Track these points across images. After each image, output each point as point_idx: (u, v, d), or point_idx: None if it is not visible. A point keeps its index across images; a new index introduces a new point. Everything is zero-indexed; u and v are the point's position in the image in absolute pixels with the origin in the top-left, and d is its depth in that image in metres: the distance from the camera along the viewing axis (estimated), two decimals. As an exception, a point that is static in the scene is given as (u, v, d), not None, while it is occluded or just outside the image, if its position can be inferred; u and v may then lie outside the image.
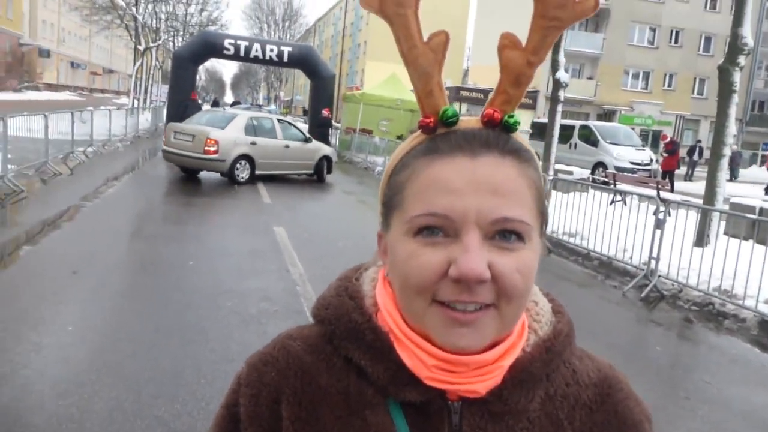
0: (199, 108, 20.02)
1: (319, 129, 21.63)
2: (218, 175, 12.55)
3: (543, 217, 0.66)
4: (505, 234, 0.61)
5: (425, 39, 0.65)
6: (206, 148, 11.87)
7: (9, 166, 9.48)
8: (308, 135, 14.63)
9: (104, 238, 7.16)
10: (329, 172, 14.61)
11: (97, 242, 6.91)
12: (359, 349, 0.68)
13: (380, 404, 0.67)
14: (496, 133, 0.63)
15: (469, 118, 0.66)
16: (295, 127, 14.65)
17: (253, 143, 12.63)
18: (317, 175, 14.30)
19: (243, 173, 12.46)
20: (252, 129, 12.91)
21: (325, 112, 21.50)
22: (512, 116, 0.64)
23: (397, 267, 0.64)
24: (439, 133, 0.64)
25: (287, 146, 13.44)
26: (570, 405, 0.71)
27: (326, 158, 14.44)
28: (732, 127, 8.46)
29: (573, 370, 0.73)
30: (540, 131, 19.70)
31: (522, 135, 0.67)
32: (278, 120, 14.15)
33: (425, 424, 0.67)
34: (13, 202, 8.62)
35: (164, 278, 5.81)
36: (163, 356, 4.01)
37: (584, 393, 0.72)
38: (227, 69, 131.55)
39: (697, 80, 39.06)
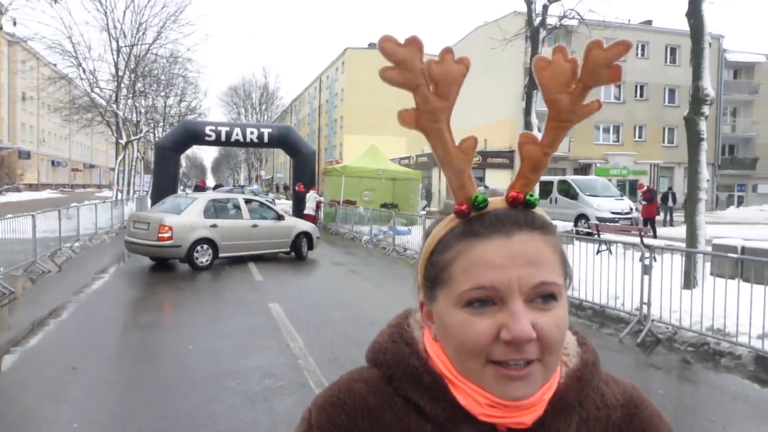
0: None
1: (297, 203, 22.07)
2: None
3: (567, 275, 0.77)
4: (544, 298, 0.72)
5: (457, 143, 0.77)
6: (160, 234, 11.58)
7: (-1, 268, 9.49)
8: (281, 212, 14.32)
9: (100, 332, 7.15)
10: (311, 248, 14.20)
11: (93, 336, 6.90)
12: (418, 391, 0.77)
13: None
14: (524, 213, 0.75)
15: (494, 199, 0.77)
16: (267, 205, 14.40)
17: (214, 225, 12.31)
18: (295, 253, 13.92)
19: (203, 257, 12.03)
20: (213, 211, 12.62)
21: (297, 187, 21.98)
22: (532, 195, 0.76)
23: (451, 333, 0.74)
24: (472, 216, 0.76)
25: (255, 225, 13.12)
26: (602, 426, 0.81)
27: (305, 234, 14.08)
28: (705, 173, 8.81)
29: (602, 394, 0.83)
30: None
31: (541, 209, 0.80)
32: (246, 200, 13.84)
33: None
34: (3, 305, 8.59)
35: (165, 365, 5.81)
36: (172, 443, 4.00)
37: (614, 414, 0.82)
38: (207, 154, 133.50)
39: (666, 130, 40.45)
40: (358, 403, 0.79)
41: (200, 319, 7.80)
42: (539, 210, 0.78)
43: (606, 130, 39.60)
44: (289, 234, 13.77)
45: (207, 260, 12.07)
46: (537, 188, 11.90)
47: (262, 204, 14.30)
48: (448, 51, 0.75)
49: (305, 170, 23.57)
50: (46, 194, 50.23)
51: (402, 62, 0.74)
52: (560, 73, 0.75)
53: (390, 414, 0.78)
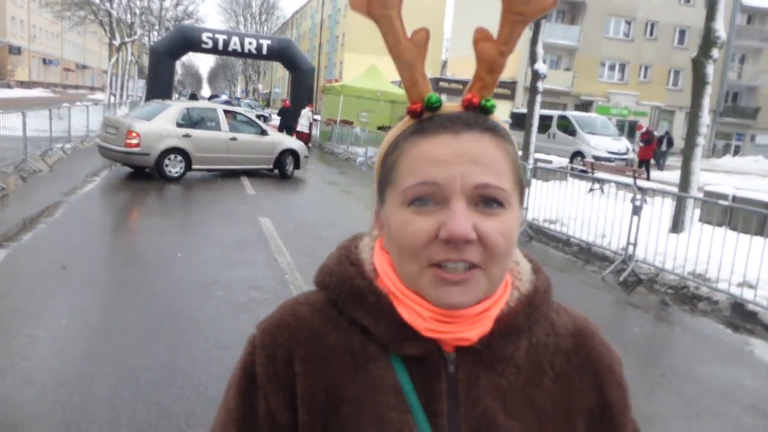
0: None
1: (283, 119, 21.66)
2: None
3: (520, 186, 0.74)
4: (487, 201, 0.69)
5: (408, 35, 0.72)
6: (127, 141, 11.06)
7: (-11, 164, 9.41)
8: (264, 127, 13.59)
9: (90, 233, 7.18)
10: (297, 167, 13.53)
11: (83, 237, 6.94)
12: (362, 310, 0.75)
13: (383, 358, 0.75)
14: (476, 114, 0.72)
15: (451, 104, 0.74)
16: (249, 118, 13.64)
17: (187, 135, 11.68)
18: (279, 171, 13.25)
19: (175, 168, 11.55)
20: (187, 121, 11.96)
21: (284, 104, 21.66)
22: (489, 100, 0.72)
23: (393, 234, 0.72)
24: (425, 117, 0.72)
25: (234, 139, 12.37)
26: (551, 352, 0.80)
27: (291, 152, 13.35)
28: (705, 118, 8.71)
29: (552, 323, 0.82)
30: (519, 121, 19.95)
31: (497, 117, 0.75)
32: (226, 111, 12.96)
33: (424, 374, 0.74)
34: (-5, 199, 8.58)
35: (153, 270, 5.88)
36: (158, 346, 4.10)
37: (562, 342, 0.81)
38: (204, 63, 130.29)
39: (672, 72, 39.71)
40: (302, 325, 0.77)
41: (190, 228, 7.85)
42: (495, 117, 0.74)
43: (611, 68, 38.83)
44: (272, 150, 13.09)
45: (178, 171, 11.60)
46: (536, 122, 11.68)
47: (243, 117, 13.55)
48: None
49: (303, 86, 23.10)
50: (37, 92, 49.18)
51: None
52: None
53: (334, 335, 0.77)
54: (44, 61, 64.06)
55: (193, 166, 11.89)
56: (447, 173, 0.68)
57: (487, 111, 0.73)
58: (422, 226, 0.68)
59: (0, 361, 3.65)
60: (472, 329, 0.73)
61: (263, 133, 13.16)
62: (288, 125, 20.80)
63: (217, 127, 12.35)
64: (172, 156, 11.56)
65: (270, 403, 0.76)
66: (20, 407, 3.18)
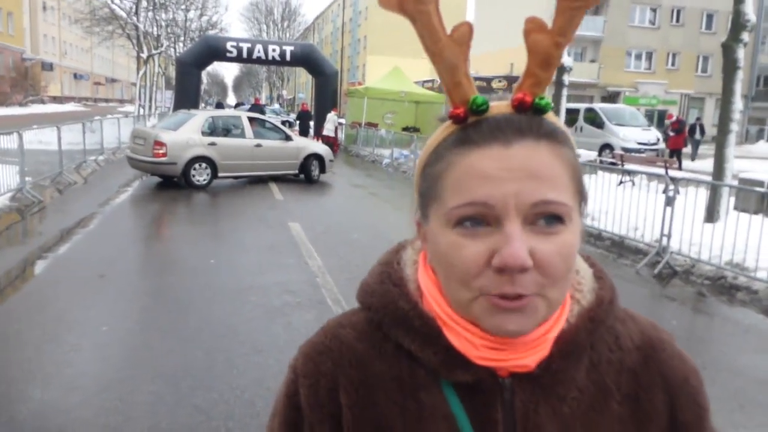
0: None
1: (301, 122, 22.12)
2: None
3: (582, 196, 0.66)
4: (547, 219, 0.61)
5: (448, 32, 0.65)
6: (155, 151, 11.27)
7: (26, 179, 9.69)
8: (289, 132, 13.72)
9: (125, 242, 7.35)
10: (323, 171, 13.57)
11: (119, 247, 7.10)
12: (408, 336, 0.70)
13: (433, 386, 0.69)
14: (528, 118, 0.63)
15: (499, 103, 0.66)
16: (274, 125, 13.81)
17: (212, 144, 11.88)
18: (304, 176, 13.36)
19: (201, 176, 11.74)
20: (212, 129, 12.19)
21: (302, 107, 22.01)
22: (543, 98, 0.64)
23: (440, 258, 0.65)
24: (470, 123, 0.64)
25: (258, 145, 12.56)
26: (616, 370, 0.72)
27: (316, 156, 13.44)
28: (738, 104, 8.52)
29: (616, 336, 0.73)
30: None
31: (554, 115, 0.67)
32: (251, 118, 13.12)
33: (479, 403, 0.68)
34: (33, 213, 8.83)
35: (188, 277, 5.98)
36: (196, 351, 4.18)
37: (628, 357, 0.73)
38: (228, 71, 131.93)
39: (701, 58, 38.84)
40: (346, 351, 0.73)
41: (221, 235, 7.97)
42: (552, 116, 0.66)
43: (638, 57, 38.15)
44: (297, 156, 13.20)
45: (205, 179, 11.77)
46: (563, 116, 11.59)
47: (268, 123, 13.73)
48: None
49: (327, 91, 23.24)
50: (70, 107, 50.49)
51: None
52: None
53: (380, 361, 0.72)
54: (75, 76, 65.77)
55: (219, 174, 12.08)
56: (499, 192, 0.60)
57: (541, 111, 0.64)
58: (472, 252, 0.61)
59: (45, 369, 3.77)
60: (530, 355, 0.67)
61: (288, 138, 13.29)
62: (305, 128, 21.10)
63: (242, 135, 12.53)
64: (198, 164, 11.76)
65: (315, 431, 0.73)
66: (66, 413, 3.27)
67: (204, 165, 11.81)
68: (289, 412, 0.75)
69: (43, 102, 47.97)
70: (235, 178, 12.75)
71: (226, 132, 12.47)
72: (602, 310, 0.71)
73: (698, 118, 24.45)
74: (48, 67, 54.35)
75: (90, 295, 5.28)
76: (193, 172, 11.71)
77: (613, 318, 0.74)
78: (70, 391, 3.51)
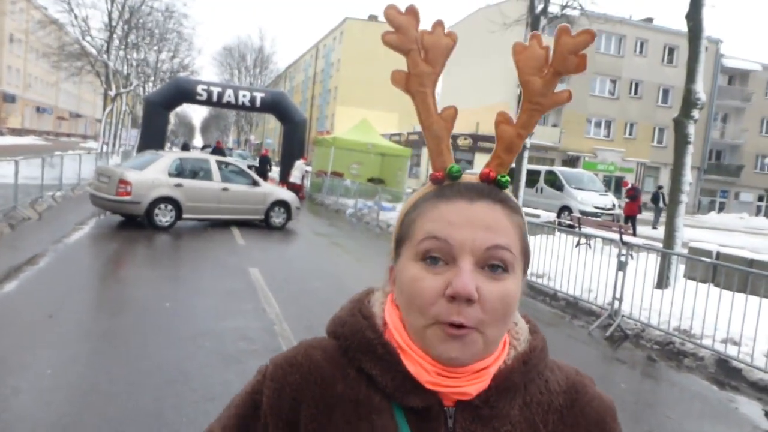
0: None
1: (260, 166, 22.49)
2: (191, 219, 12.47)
3: (526, 256, 0.80)
4: (493, 266, 0.74)
5: (439, 111, 0.82)
6: (119, 189, 11.19)
7: (-21, 210, 9.41)
8: (256, 178, 13.60)
9: (78, 282, 7.16)
10: (289, 218, 13.41)
11: (70, 286, 6.91)
12: (371, 361, 0.80)
13: (386, 410, 0.79)
14: (490, 186, 0.80)
15: (470, 174, 0.83)
16: (242, 169, 13.71)
17: (179, 185, 11.81)
18: (266, 222, 13.21)
19: (165, 217, 11.62)
20: (179, 170, 12.15)
21: (263, 152, 22.29)
22: (504, 176, 0.81)
23: (404, 288, 0.77)
24: (446, 185, 0.80)
25: (225, 189, 12.47)
26: (544, 410, 0.83)
27: (282, 203, 13.32)
28: (688, 176, 8.95)
29: (546, 380, 0.86)
30: (507, 175, 20.26)
31: (509, 192, 0.83)
32: (218, 162, 13.05)
33: (425, 427, 0.78)
34: (-17, 246, 8.55)
35: (142, 320, 5.86)
36: (145, 397, 4.07)
37: (555, 399, 0.85)
38: (197, 113, 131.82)
39: (657, 129, 40.77)
40: (314, 368, 0.82)
41: (180, 278, 7.84)
42: (508, 191, 0.82)
43: (597, 125, 39.80)
44: (263, 201, 13.11)
45: (168, 221, 11.66)
46: (524, 177, 11.95)
47: (236, 167, 13.61)
48: (439, 24, 0.83)
49: (295, 138, 23.42)
50: (29, 140, 49.38)
51: (399, 27, 0.82)
52: (534, 57, 0.81)
53: (342, 383, 0.81)
54: (38, 109, 64.64)
55: (184, 216, 11.93)
56: (459, 235, 0.74)
57: (501, 186, 0.80)
58: (431, 284, 0.74)
59: (-17, 412, 3.61)
60: (472, 385, 0.78)
61: (255, 183, 13.24)
62: (264, 173, 21.38)
63: (209, 177, 12.45)
64: (162, 205, 11.62)
65: None
66: (2, 459, 3.14)
67: (168, 206, 11.68)
68: (247, 408, 0.83)
69: (1, 133, 46.89)
70: (200, 220, 12.60)
71: (194, 174, 12.38)
72: (534, 356, 0.84)
73: (660, 187, 25.28)
74: (10, 98, 53.39)
75: (36, 336, 5.11)
76: (157, 212, 11.57)
77: (544, 365, 0.87)
78: (8, 436, 3.37)
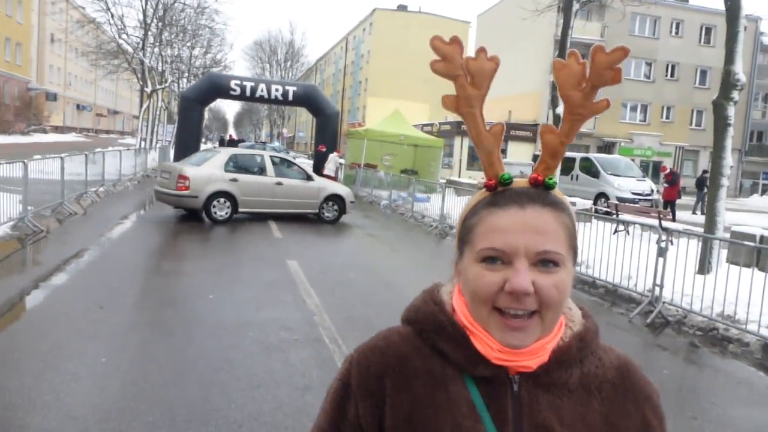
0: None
1: (318, 164, 22.28)
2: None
3: (574, 250, 0.91)
4: (545, 262, 0.85)
5: (488, 127, 0.93)
6: (178, 184, 11.82)
7: (28, 208, 9.78)
8: (310, 173, 14.00)
9: (125, 274, 7.40)
10: (343, 212, 13.68)
11: (118, 278, 7.15)
12: (443, 339, 0.93)
13: (458, 379, 0.92)
14: (539, 191, 0.89)
15: (520, 179, 0.92)
16: (297, 165, 14.11)
17: (234, 180, 12.36)
18: (323, 216, 13.56)
19: (221, 211, 12.13)
20: (235, 166, 12.72)
21: (319, 149, 22.13)
22: (551, 178, 0.91)
23: (468, 284, 0.89)
24: (498, 191, 0.91)
25: (279, 183, 12.97)
26: (599, 380, 0.95)
27: (336, 197, 13.62)
28: (728, 159, 8.74)
29: (599, 358, 0.97)
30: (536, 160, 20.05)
31: (559, 191, 0.92)
32: (272, 157, 13.61)
33: (493, 392, 0.90)
34: (34, 242, 8.89)
35: (187, 311, 6.04)
36: (193, 384, 4.21)
37: (608, 373, 0.96)
38: (230, 108, 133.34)
39: (695, 112, 39.72)
40: (392, 348, 0.95)
41: (221, 271, 8.02)
42: (557, 192, 0.91)
43: (633, 109, 38.97)
44: (317, 195, 13.46)
45: (225, 214, 12.15)
46: (558, 164, 11.95)
47: (290, 163, 14.05)
48: (482, 50, 0.91)
49: (328, 131, 23.54)
50: (71, 137, 50.83)
51: (446, 56, 0.91)
52: (573, 73, 0.90)
53: (419, 359, 0.93)
54: (78, 106, 66.39)
55: (240, 209, 12.45)
56: (513, 242, 0.85)
57: (549, 187, 0.90)
58: (492, 280, 0.85)
59: (45, 397, 3.80)
60: (533, 359, 0.89)
61: (309, 178, 13.61)
62: (320, 170, 21.32)
63: (264, 172, 12.98)
64: (219, 199, 12.16)
65: (359, 407, 0.93)
66: (65, 442, 3.30)
67: (224, 200, 12.21)
68: (341, 392, 0.96)
69: (45, 131, 48.28)
70: (255, 214, 13.03)
71: (249, 169, 12.92)
72: (589, 335, 0.96)
73: (705, 171, 24.64)
74: (52, 97, 54.91)
75: (90, 326, 5.32)
76: (214, 206, 12.10)
77: (597, 345, 0.98)
78: (69, 421, 3.54)
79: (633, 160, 28.09)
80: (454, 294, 0.97)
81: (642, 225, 10.11)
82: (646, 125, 38.78)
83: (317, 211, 13.55)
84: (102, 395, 3.93)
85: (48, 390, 3.91)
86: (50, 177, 11.85)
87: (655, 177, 28.05)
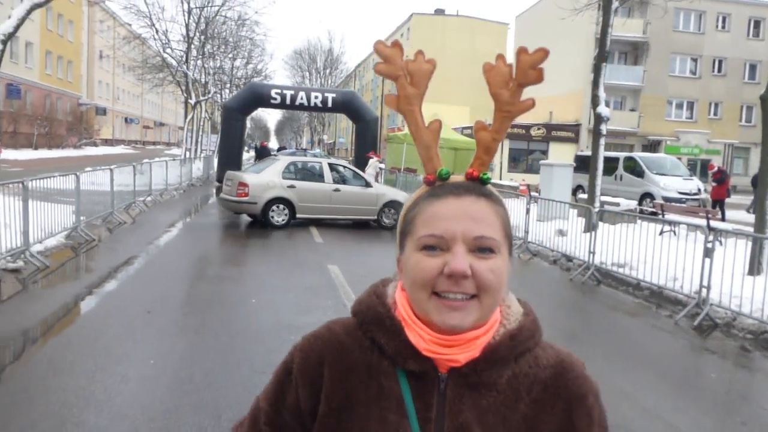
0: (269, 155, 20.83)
1: (361, 169, 22.47)
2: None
3: (509, 239, 0.94)
4: (482, 249, 0.88)
5: (426, 124, 0.98)
6: (238, 191, 12.41)
7: (81, 218, 10.18)
8: (370, 180, 14.14)
9: (171, 280, 7.64)
10: None
11: (165, 284, 7.38)
12: (380, 331, 0.96)
13: (392, 373, 0.95)
14: (474, 184, 0.94)
15: (456, 176, 0.97)
16: (354, 171, 14.29)
17: (292, 186, 12.78)
18: (377, 222, 13.72)
19: (279, 217, 12.60)
20: (293, 173, 13.19)
21: (369, 155, 22.22)
22: (486, 174, 0.95)
23: (408, 272, 0.92)
24: (437, 185, 0.95)
25: (337, 190, 13.27)
26: (530, 381, 0.95)
27: (396, 203, 13.63)
28: (779, 156, 8.46)
29: (535, 357, 0.97)
30: (584, 164, 19.74)
31: (492, 186, 0.97)
32: (331, 164, 14.04)
33: (421, 388, 0.93)
34: (86, 251, 9.26)
35: (231, 315, 6.19)
36: (237, 386, 4.33)
37: (542, 373, 0.96)
38: (271, 116, 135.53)
39: (744, 108, 38.40)
40: (334, 338, 1.00)
41: (263, 276, 8.19)
42: (490, 186, 0.96)
43: (679, 106, 37.92)
44: (376, 202, 13.60)
45: (282, 220, 12.62)
46: (601, 165, 11.54)
47: (348, 170, 14.24)
48: (420, 52, 0.98)
49: (367, 136, 23.71)
50: (120, 149, 52.59)
51: (388, 58, 0.98)
52: (501, 73, 0.95)
53: (358, 351, 0.97)
54: (126, 119, 68.70)
55: (297, 215, 12.82)
56: (451, 228, 0.89)
57: (484, 182, 0.95)
58: (431, 265, 0.89)
59: (97, 397, 3.98)
60: (462, 353, 0.91)
61: (367, 185, 13.80)
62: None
63: (321, 179, 13.32)
64: (277, 205, 12.60)
65: (299, 393, 0.99)
66: (117, 440, 3.45)
67: (282, 206, 12.64)
68: (283, 375, 1.02)
69: (95, 144, 50.11)
70: (313, 220, 13.32)
71: (307, 176, 13.33)
72: (522, 334, 0.96)
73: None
74: (101, 111, 56.99)
75: (138, 330, 5.52)
76: (272, 211, 12.54)
77: (534, 343, 0.98)
78: (120, 419, 3.70)
79: (679, 158, 27.35)
80: (397, 290, 1.00)
81: (689, 225, 9.85)
82: (693, 122, 37.68)
83: (376, 217, 13.71)
84: (150, 396, 4.08)
85: (100, 390, 4.09)
86: (101, 188, 12.32)
87: (703, 176, 27.21)
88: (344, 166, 14.49)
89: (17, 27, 9.87)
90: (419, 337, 0.92)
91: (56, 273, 7.81)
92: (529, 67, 0.94)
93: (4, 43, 9.66)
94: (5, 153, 27.95)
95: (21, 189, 8.09)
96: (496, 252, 0.90)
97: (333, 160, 15.07)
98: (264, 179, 12.67)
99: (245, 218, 13.49)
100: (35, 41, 41.13)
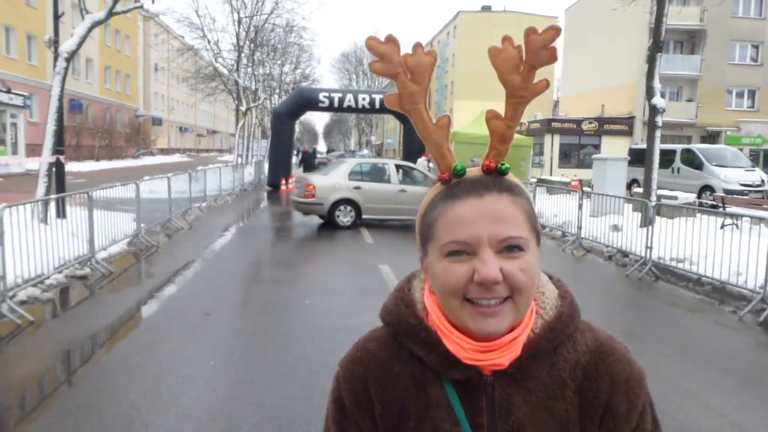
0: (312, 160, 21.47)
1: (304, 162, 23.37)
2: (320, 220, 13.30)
3: (536, 232, 0.90)
4: (509, 248, 0.85)
5: (434, 121, 0.93)
6: (306, 192, 12.80)
7: (141, 225, 10.59)
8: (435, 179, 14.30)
9: (228, 284, 7.86)
10: None
11: (222, 287, 7.61)
12: (416, 344, 0.93)
13: (437, 382, 0.93)
14: (494, 177, 0.89)
15: (473, 168, 0.92)
16: (422, 173, 14.28)
17: (357, 188, 12.99)
18: None
19: (345, 218, 12.90)
20: (359, 174, 13.44)
21: (426, 155, 22.31)
22: (503, 164, 0.90)
23: (436, 280, 0.89)
24: (453, 183, 0.90)
25: (403, 191, 13.28)
26: (571, 367, 0.92)
27: None
28: None
29: (574, 342, 0.94)
30: (638, 157, 19.21)
31: (513, 175, 0.91)
32: (398, 165, 14.10)
33: (469, 395, 0.91)
34: (147, 257, 9.62)
35: (285, 317, 6.33)
36: (295, 386, 4.43)
37: (582, 358, 0.93)
38: (319, 119, 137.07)
39: (811, 94, 36.48)
40: (372, 358, 0.97)
41: (316, 277, 8.33)
42: (511, 176, 0.91)
43: (739, 95, 36.34)
44: None
45: (348, 221, 12.90)
46: (657, 157, 11.26)
47: (416, 171, 14.28)
48: (418, 45, 0.92)
49: (416, 136, 23.44)
50: (175, 158, 54.29)
51: (383, 56, 0.91)
52: (509, 57, 0.89)
53: (398, 364, 0.95)
54: (180, 129, 70.87)
55: (363, 216, 13.04)
56: (476, 233, 0.85)
57: (502, 173, 0.90)
58: (459, 272, 0.85)
59: (164, 398, 4.15)
60: (504, 356, 0.88)
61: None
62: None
63: (387, 180, 13.48)
64: (343, 206, 12.88)
65: (360, 424, 0.97)
66: (182, 438, 3.59)
67: (348, 207, 12.92)
68: (338, 414, 0.99)
69: (152, 154, 51.88)
70: (379, 221, 13.51)
71: (373, 177, 13.54)
72: (561, 322, 0.93)
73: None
74: (158, 122, 59.00)
75: (198, 332, 5.72)
76: (338, 213, 12.84)
77: (573, 328, 0.95)
78: (185, 419, 3.85)
79: (741, 149, 26.24)
80: (425, 292, 0.97)
81: (752, 218, 9.47)
82: (755, 112, 36.02)
83: None
84: (213, 396, 4.23)
85: (166, 391, 4.26)
86: (159, 196, 12.78)
87: (766, 167, 26.06)
88: (411, 167, 14.51)
89: (80, 45, 10.33)
90: (458, 346, 0.89)
91: (120, 279, 8.15)
92: (541, 47, 0.89)
93: (68, 60, 10.13)
94: (69, 165, 29.26)
95: (86, 199, 8.48)
96: (524, 249, 0.86)
97: (399, 162, 15.16)
98: (330, 181, 12.94)
99: (296, 220, 13.72)
100: (95, 57, 42.89)
